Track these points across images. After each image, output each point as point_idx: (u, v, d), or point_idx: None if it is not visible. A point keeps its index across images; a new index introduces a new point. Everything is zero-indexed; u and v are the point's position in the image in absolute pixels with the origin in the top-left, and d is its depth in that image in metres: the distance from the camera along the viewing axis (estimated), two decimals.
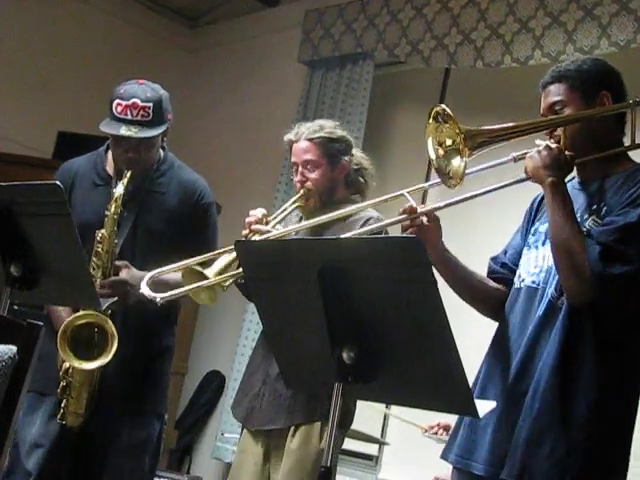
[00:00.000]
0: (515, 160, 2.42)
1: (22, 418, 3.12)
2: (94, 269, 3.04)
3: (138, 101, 3.07)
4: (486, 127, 2.38)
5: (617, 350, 2.27)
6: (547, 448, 2.20)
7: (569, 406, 2.22)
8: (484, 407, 2.16)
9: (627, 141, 2.43)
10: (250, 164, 6.02)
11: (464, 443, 2.40)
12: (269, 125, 5.97)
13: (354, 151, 3.26)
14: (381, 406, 4.75)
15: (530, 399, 2.26)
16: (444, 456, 2.47)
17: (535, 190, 2.52)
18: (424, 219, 2.47)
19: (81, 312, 3.00)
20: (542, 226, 2.48)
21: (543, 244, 2.43)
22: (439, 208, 2.50)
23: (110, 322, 2.97)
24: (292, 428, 3.03)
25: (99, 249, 3.06)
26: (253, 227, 2.97)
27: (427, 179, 5.11)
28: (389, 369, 1.90)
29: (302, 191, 3.14)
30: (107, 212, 3.06)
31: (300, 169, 3.16)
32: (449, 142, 2.35)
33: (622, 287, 2.21)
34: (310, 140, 3.15)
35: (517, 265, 2.51)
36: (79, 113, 5.79)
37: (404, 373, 1.91)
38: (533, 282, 2.41)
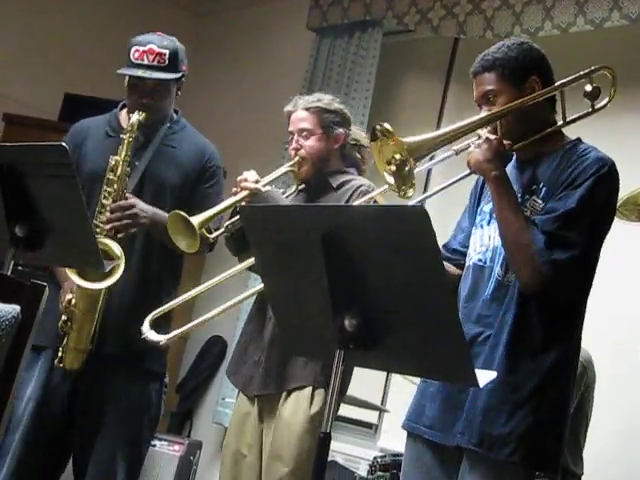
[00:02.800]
0: (457, 153, 2.49)
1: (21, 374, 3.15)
2: (105, 197, 3.10)
3: (155, 47, 3.17)
4: (426, 136, 2.43)
5: (562, 324, 2.39)
6: (504, 416, 2.31)
7: (521, 377, 2.33)
8: (484, 377, 2.17)
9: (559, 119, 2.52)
10: (256, 130, 6.00)
11: (414, 408, 2.53)
12: (276, 91, 5.92)
13: (353, 128, 3.33)
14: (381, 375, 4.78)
15: None
16: (402, 426, 2.58)
17: None
18: None
19: None
20: (486, 205, 2.56)
21: (488, 223, 2.52)
22: None
23: (116, 245, 3.02)
24: (284, 394, 3.07)
25: (111, 176, 3.11)
26: (242, 184, 3.05)
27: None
28: (390, 337, 1.91)
29: (296, 158, 3.22)
30: (122, 136, 3.13)
31: (296, 137, 3.26)
32: (398, 156, 2.39)
33: (569, 271, 2.32)
34: (307, 109, 3.25)
35: (467, 247, 2.59)
36: (85, 75, 5.78)
37: (405, 341, 1.91)
38: (479, 260, 2.50)
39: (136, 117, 3.13)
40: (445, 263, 2.62)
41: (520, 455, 2.29)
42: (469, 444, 2.33)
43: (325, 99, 3.28)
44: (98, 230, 3.05)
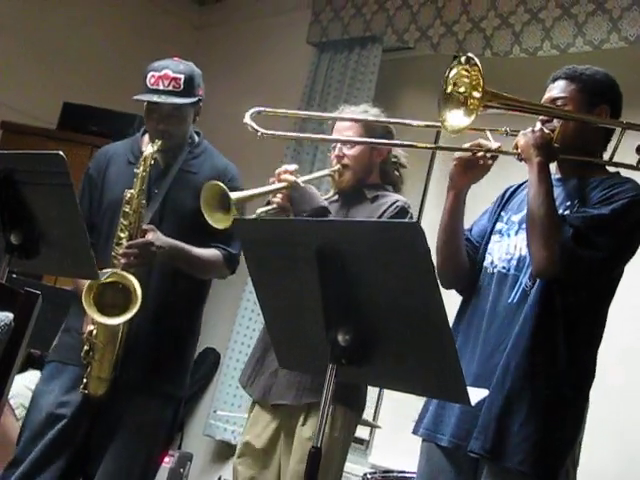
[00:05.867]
0: (507, 134, 2.55)
1: (41, 387, 3.18)
2: (121, 230, 3.08)
3: (170, 72, 3.17)
4: (505, 93, 2.48)
5: (584, 336, 2.42)
6: (517, 424, 2.33)
7: (535, 385, 2.36)
8: (476, 395, 2.17)
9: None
10: (254, 144, 5.98)
11: (432, 417, 2.54)
12: (274, 105, 5.92)
13: None
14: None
15: (501, 378, 2.38)
16: (415, 431, 2.60)
17: None
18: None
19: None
20: (515, 216, 2.60)
21: (516, 233, 2.55)
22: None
23: (134, 279, 3.00)
24: (303, 413, 3.01)
25: (127, 209, 3.09)
26: (282, 176, 3.04)
27: (431, 164, 5.12)
28: (383, 353, 1.91)
29: (337, 166, 3.19)
30: (136, 170, 3.10)
31: (339, 145, 3.22)
32: (462, 89, 2.50)
33: (586, 270, 2.36)
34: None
35: (479, 243, 2.64)
36: (85, 84, 5.79)
37: (398, 358, 1.91)
38: (504, 268, 2.53)
39: (149, 150, 3.11)
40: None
41: (530, 465, 2.30)
42: (482, 450, 2.35)
43: (372, 111, 3.28)
44: (115, 262, 3.04)
